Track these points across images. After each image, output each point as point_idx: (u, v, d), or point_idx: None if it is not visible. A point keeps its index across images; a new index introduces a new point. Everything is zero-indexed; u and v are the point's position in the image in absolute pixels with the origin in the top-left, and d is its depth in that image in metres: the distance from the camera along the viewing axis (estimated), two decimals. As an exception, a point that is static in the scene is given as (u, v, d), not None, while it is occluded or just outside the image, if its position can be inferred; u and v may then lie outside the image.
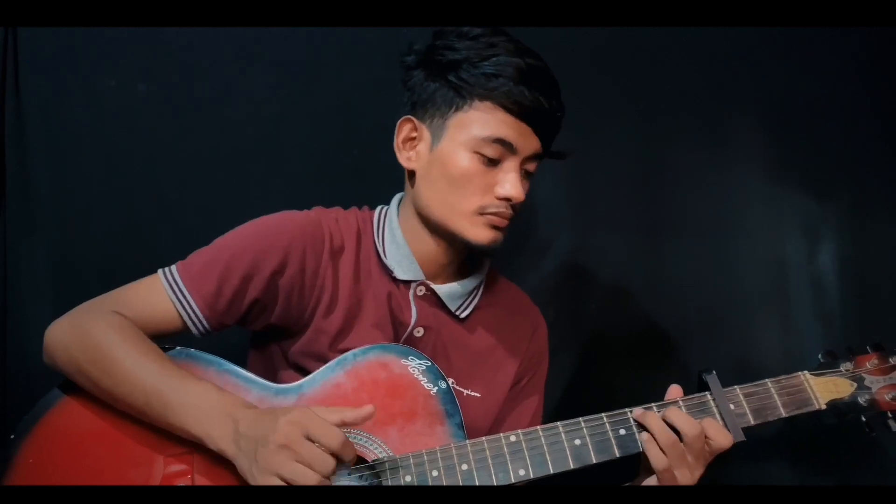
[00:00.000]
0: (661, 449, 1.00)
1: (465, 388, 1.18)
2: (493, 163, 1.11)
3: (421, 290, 1.18)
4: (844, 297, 1.58)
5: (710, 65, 1.61)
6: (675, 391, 1.07)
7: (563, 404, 1.51)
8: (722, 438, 1.01)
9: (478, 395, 1.19)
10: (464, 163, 1.10)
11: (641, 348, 1.60)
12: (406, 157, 1.17)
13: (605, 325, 1.61)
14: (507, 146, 1.10)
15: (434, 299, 1.19)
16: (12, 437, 1.03)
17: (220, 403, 0.99)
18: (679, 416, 1.01)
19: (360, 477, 1.01)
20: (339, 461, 0.94)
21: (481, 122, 1.10)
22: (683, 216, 1.62)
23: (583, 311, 1.62)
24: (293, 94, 1.55)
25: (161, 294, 1.09)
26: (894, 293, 1.56)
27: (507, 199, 1.11)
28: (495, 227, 1.13)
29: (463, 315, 1.21)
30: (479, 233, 1.13)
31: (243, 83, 1.55)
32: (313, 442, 0.93)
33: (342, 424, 0.97)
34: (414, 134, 1.16)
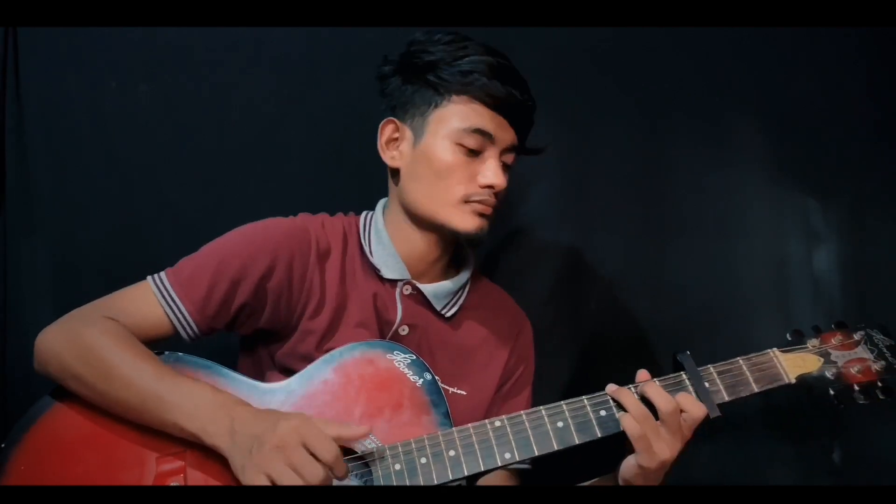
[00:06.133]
0: (634, 419, 1.02)
1: (450, 387, 1.20)
2: (473, 153, 1.16)
3: (407, 290, 1.21)
4: (845, 297, 1.58)
5: (710, 65, 1.61)
6: (644, 374, 1.09)
7: (563, 404, 1.51)
8: (696, 409, 1.03)
9: (463, 393, 1.21)
10: (446, 155, 1.16)
11: (641, 348, 1.59)
12: (390, 157, 1.21)
13: (605, 325, 1.61)
14: (485, 136, 1.16)
15: (420, 298, 1.21)
16: (3, 445, 1.04)
17: (215, 401, 1.01)
18: (655, 392, 1.04)
19: (351, 467, 1.01)
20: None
21: (460, 114, 1.16)
22: (683, 216, 1.61)
23: (583, 311, 1.61)
24: (293, 94, 1.56)
25: (151, 300, 1.11)
26: (894, 293, 1.56)
27: (490, 187, 1.16)
28: (480, 215, 1.17)
29: (448, 314, 1.24)
30: (466, 221, 1.17)
31: (243, 83, 1.55)
32: (309, 452, 0.94)
33: (338, 439, 0.97)
34: (396, 134, 1.21)
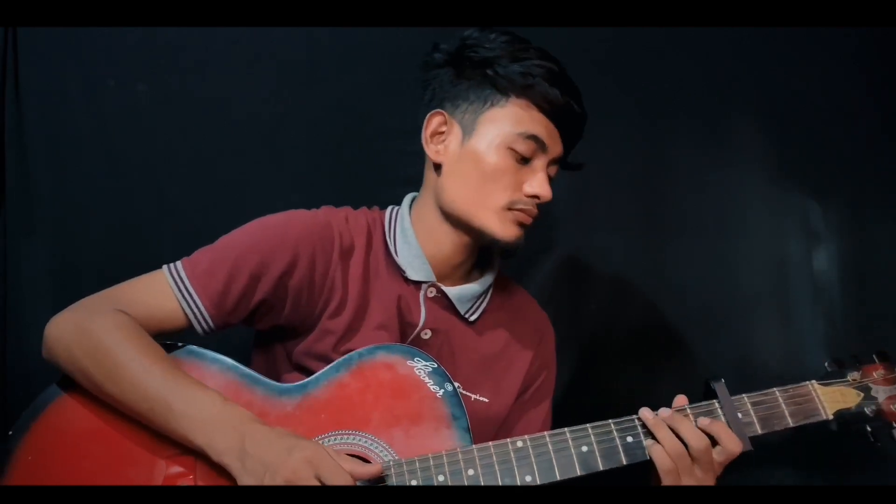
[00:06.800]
0: (667, 454, 0.99)
1: (472, 393, 1.17)
2: (524, 161, 1.12)
3: (431, 292, 1.17)
4: (845, 297, 1.58)
5: (710, 65, 1.61)
6: (681, 401, 1.05)
7: (562, 404, 1.50)
8: (732, 444, 1.00)
9: (485, 400, 1.18)
10: (496, 158, 1.12)
11: (641, 348, 1.59)
12: (434, 151, 1.16)
13: (605, 325, 1.61)
14: (539, 143, 1.12)
15: (444, 301, 1.18)
16: (10, 433, 1.02)
17: (225, 415, 0.98)
18: (687, 428, 1.00)
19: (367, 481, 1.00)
20: None
21: (516, 118, 1.12)
22: (683, 216, 1.61)
23: (583, 311, 1.61)
24: (293, 94, 1.55)
25: (166, 292, 1.08)
26: (894, 293, 1.56)
27: (536, 197, 1.13)
28: (520, 224, 1.14)
29: (472, 318, 1.20)
30: (506, 229, 1.13)
31: (243, 83, 1.54)
32: (322, 483, 0.93)
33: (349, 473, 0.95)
34: (443, 128, 1.16)
